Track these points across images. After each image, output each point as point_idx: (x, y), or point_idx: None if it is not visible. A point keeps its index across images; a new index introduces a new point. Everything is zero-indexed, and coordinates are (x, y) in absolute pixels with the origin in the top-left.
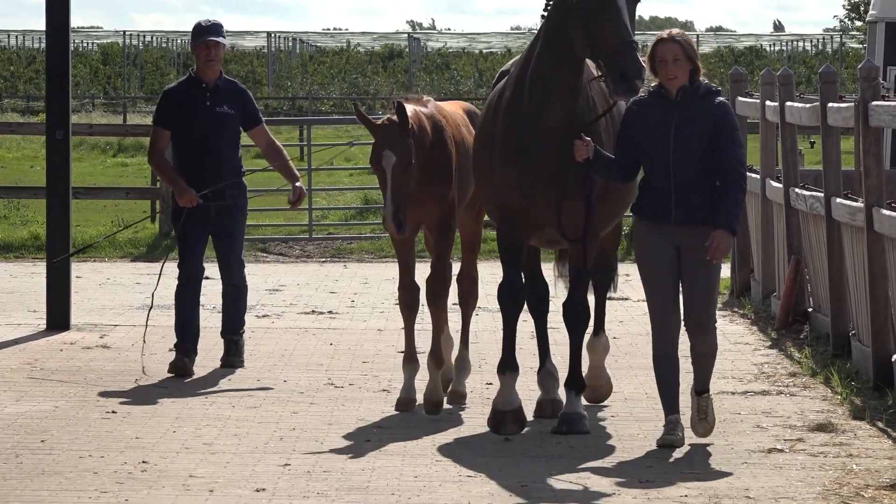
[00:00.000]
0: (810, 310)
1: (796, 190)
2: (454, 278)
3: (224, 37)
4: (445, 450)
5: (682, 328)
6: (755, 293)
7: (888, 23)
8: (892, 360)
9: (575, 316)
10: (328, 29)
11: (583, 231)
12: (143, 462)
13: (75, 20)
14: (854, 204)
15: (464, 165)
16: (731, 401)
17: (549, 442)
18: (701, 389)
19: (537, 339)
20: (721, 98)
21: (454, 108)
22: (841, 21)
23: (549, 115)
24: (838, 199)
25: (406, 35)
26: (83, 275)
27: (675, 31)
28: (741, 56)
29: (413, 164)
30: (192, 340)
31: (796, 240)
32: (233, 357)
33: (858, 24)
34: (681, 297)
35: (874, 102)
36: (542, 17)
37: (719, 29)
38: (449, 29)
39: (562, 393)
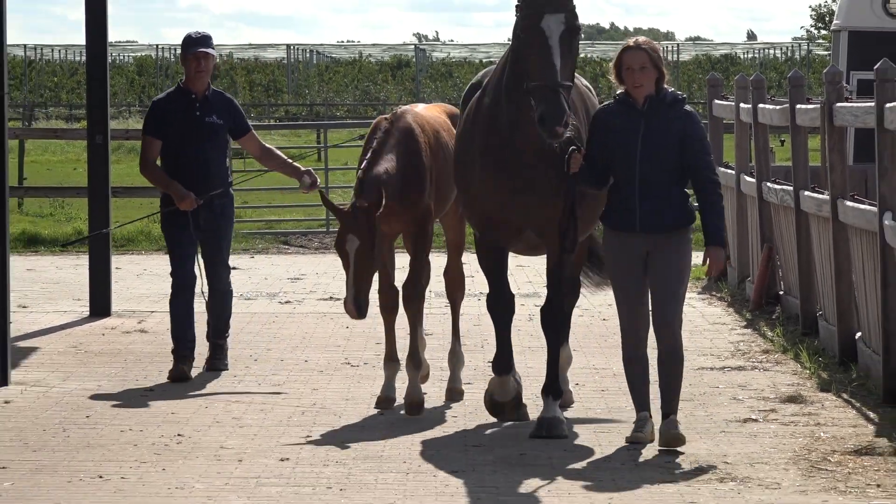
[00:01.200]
0: (781, 293)
1: (768, 184)
2: (442, 274)
3: (213, 48)
4: (452, 423)
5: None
6: (731, 278)
7: (850, 31)
8: (856, 337)
9: (553, 323)
10: (342, 41)
11: (562, 235)
12: (179, 435)
13: (112, 35)
14: (820, 196)
15: (444, 170)
16: (710, 375)
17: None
18: (668, 411)
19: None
20: (687, 106)
21: (436, 113)
22: (808, 30)
23: (525, 124)
24: (806, 193)
25: (413, 46)
26: (122, 266)
27: (641, 38)
28: (717, 63)
29: (376, 249)
30: (189, 347)
31: (768, 229)
32: (216, 360)
33: (824, 32)
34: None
35: (838, 104)
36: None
37: (698, 38)
38: (452, 40)
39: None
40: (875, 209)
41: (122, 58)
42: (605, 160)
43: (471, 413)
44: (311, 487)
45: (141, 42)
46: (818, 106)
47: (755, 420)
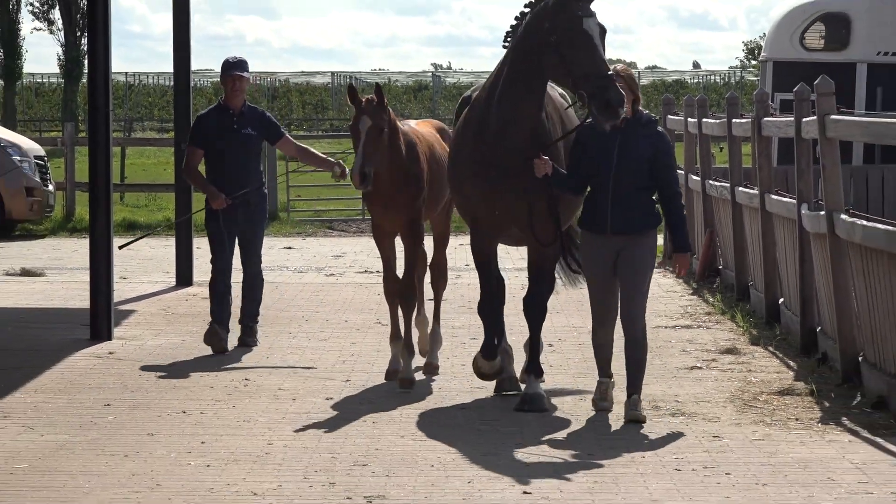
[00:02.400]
0: (720, 267)
1: (710, 182)
2: (429, 266)
3: (248, 71)
4: (461, 371)
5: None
6: None
7: (775, 61)
8: (779, 302)
9: (534, 310)
10: (374, 69)
11: (549, 234)
12: (246, 379)
13: (194, 64)
14: (751, 191)
15: (436, 177)
16: (664, 332)
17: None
18: (631, 391)
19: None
20: (659, 127)
21: (427, 127)
22: (741, 61)
23: (514, 134)
24: (740, 188)
25: (430, 73)
26: (202, 246)
27: (619, 66)
28: (670, 86)
29: (385, 133)
30: (227, 322)
31: (710, 217)
32: (247, 337)
33: (754, 62)
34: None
35: (765, 119)
36: (504, 47)
37: (654, 67)
38: (461, 69)
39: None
40: (794, 201)
41: (201, 82)
42: (585, 170)
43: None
44: (349, 422)
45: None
46: (750, 120)
47: (700, 367)
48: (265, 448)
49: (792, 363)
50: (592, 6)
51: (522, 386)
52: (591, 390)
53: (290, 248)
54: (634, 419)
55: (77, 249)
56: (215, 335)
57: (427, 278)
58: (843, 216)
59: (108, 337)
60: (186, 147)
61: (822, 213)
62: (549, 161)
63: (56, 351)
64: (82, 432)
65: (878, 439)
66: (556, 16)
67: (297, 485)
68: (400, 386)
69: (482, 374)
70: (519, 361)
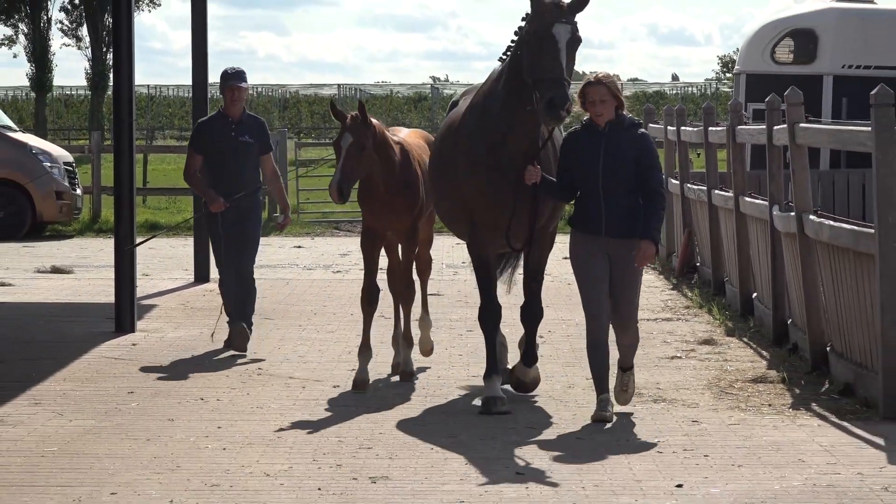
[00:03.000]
0: (698, 264)
1: (688, 185)
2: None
3: (246, 81)
4: (458, 361)
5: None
6: (661, 254)
7: (748, 74)
8: (753, 296)
9: (531, 314)
10: (377, 81)
11: (528, 239)
12: (259, 368)
13: (211, 77)
14: (726, 194)
15: (426, 184)
16: (646, 325)
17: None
18: (625, 367)
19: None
20: (642, 129)
21: (415, 137)
22: (717, 73)
23: (514, 140)
24: (716, 191)
25: (429, 85)
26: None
27: (601, 73)
28: (651, 97)
29: (366, 152)
30: (248, 323)
31: (689, 218)
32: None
33: (728, 75)
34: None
35: (739, 127)
36: (500, 60)
37: (636, 79)
38: (458, 81)
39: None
40: (766, 203)
41: (218, 94)
42: (573, 176)
43: (479, 345)
44: (355, 407)
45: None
46: (725, 128)
47: (679, 357)
48: (277, 432)
49: (765, 353)
50: (572, 15)
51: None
52: (580, 379)
53: (299, 246)
54: (626, 401)
55: (103, 249)
56: (242, 335)
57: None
58: (812, 217)
59: (132, 329)
60: (187, 152)
61: (793, 213)
62: (538, 170)
63: (83, 342)
64: (108, 418)
65: (845, 423)
66: (532, 21)
67: (306, 466)
68: (401, 379)
69: (487, 400)
70: (513, 359)
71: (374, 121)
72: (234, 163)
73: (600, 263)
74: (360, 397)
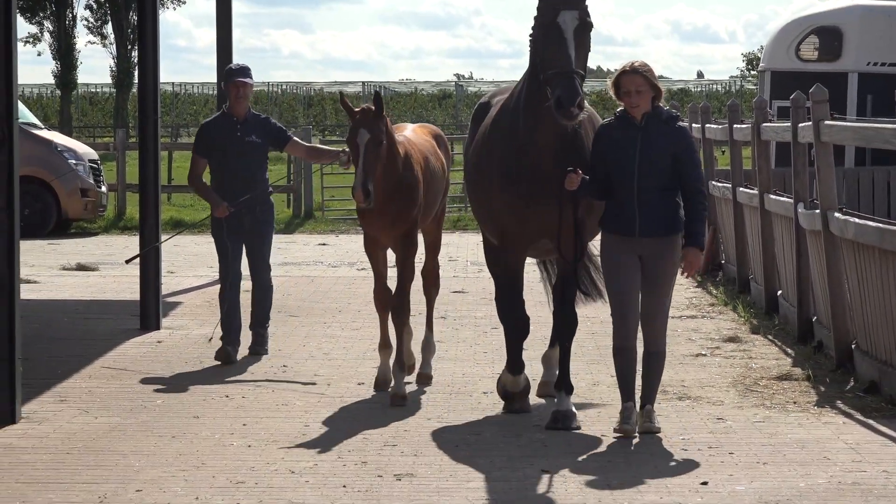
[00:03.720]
0: (723, 262)
1: (713, 182)
2: (420, 272)
3: (251, 77)
4: (483, 358)
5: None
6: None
7: (773, 71)
8: (778, 294)
9: (565, 323)
10: (402, 79)
11: (574, 245)
12: (284, 366)
13: None
14: (751, 191)
15: (430, 186)
16: (671, 322)
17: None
18: (645, 401)
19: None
20: (681, 123)
21: (423, 135)
22: (741, 71)
23: (541, 135)
24: (741, 189)
25: (453, 83)
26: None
27: (637, 62)
28: (675, 95)
29: (384, 145)
30: (236, 333)
31: (713, 216)
32: (258, 346)
33: (753, 73)
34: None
35: (764, 124)
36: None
37: (661, 77)
38: (482, 78)
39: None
40: (791, 201)
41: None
42: (606, 172)
43: (493, 345)
44: (380, 404)
45: (256, 80)
46: (749, 126)
47: (704, 355)
48: (302, 430)
49: (790, 350)
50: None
51: (536, 399)
52: (605, 377)
53: (324, 244)
54: (647, 431)
55: (128, 246)
56: (226, 354)
57: (418, 286)
58: (837, 214)
59: (157, 327)
60: (192, 156)
61: (818, 211)
62: (580, 174)
63: (108, 340)
64: (133, 415)
65: (871, 421)
66: (539, 10)
67: (331, 464)
68: (392, 403)
69: (506, 393)
70: (534, 375)
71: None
72: (240, 164)
73: (632, 267)
74: (384, 394)
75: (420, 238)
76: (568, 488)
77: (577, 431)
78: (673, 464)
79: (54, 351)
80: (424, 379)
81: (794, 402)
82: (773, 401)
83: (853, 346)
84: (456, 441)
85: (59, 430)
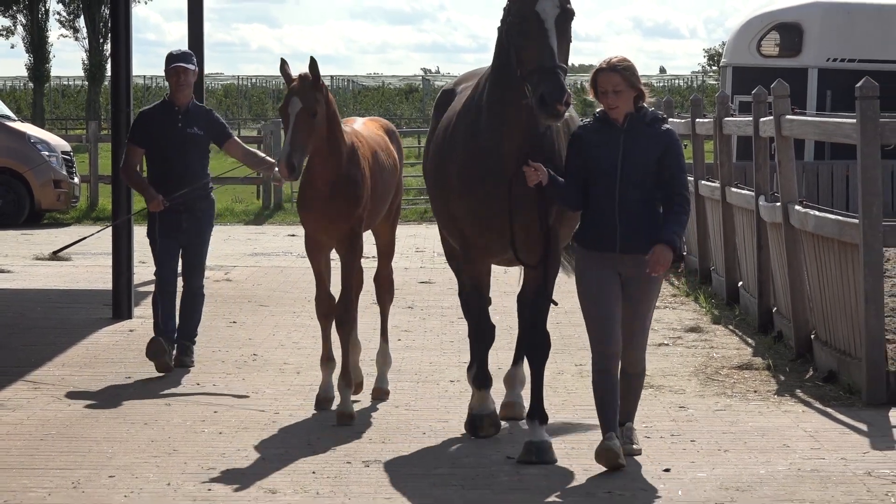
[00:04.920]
0: (685, 254)
1: None
2: (372, 279)
3: (193, 64)
4: (450, 347)
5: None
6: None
7: (734, 67)
8: (739, 285)
9: (536, 346)
10: (369, 73)
11: (541, 255)
12: (254, 354)
13: (208, 69)
14: (713, 185)
15: (378, 183)
16: None
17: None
18: (625, 418)
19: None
20: (667, 125)
21: (373, 128)
22: (703, 66)
23: (507, 137)
24: (703, 182)
25: (420, 77)
26: (213, 232)
27: (615, 58)
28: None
29: (317, 117)
30: (170, 338)
31: None
32: (184, 357)
33: (714, 68)
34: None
35: (726, 118)
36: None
37: None
38: (448, 73)
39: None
40: (752, 194)
41: (213, 85)
42: (585, 179)
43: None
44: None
45: (226, 73)
46: (711, 120)
47: (667, 344)
48: (272, 417)
49: (750, 340)
50: None
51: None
52: (569, 366)
53: (293, 235)
54: (630, 453)
55: (100, 237)
56: (159, 348)
57: (369, 294)
58: (797, 207)
59: (129, 316)
60: (126, 145)
61: (778, 204)
62: (542, 168)
63: (81, 328)
64: (105, 402)
65: (829, 409)
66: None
67: (301, 450)
68: (338, 422)
69: (472, 419)
70: (497, 394)
71: (324, 85)
72: (179, 157)
73: (613, 286)
74: (368, 354)
75: (372, 242)
76: (533, 473)
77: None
78: None
79: (28, 339)
80: (380, 394)
81: (755, 391)
82: (734, 390)
83: (812, 337)
84: (423, 428)
85: (32, 416)
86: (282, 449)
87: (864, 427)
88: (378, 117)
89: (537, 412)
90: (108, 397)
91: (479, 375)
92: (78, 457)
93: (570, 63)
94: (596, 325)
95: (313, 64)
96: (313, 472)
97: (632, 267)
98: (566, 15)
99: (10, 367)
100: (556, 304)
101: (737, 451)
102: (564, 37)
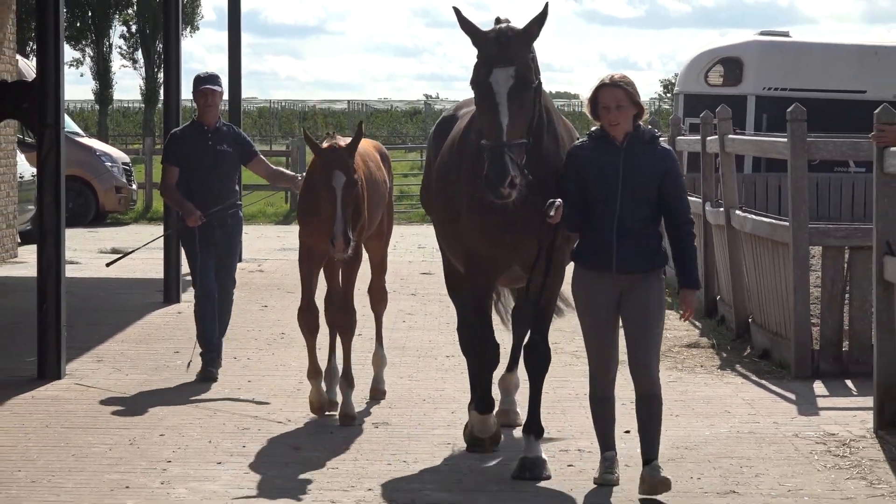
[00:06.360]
0: None
1: None
2: (366, 291)
3: (220, 86)
4: (446, 328)
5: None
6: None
7: (685, 94)
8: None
9: (536, 357)
10: (380, 98)
11: (545, 268)
12: (282, 333)
13: (244, 94)
14: None
15: (372, 201)
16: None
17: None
18: (649, 457)
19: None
20: (665, 144)
21: (366, 147)
22: (659, 94)
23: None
24: None
25: (423, 101)
26: (248, 231)
27: (617, 74)
28: None
29: (357, 188)
30: (217, 351)
31: None
32: (210, 368)
33: (668, 95)
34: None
35: (678, 137)
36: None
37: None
38: (447, 98)
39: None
40: (700, 200)
41: (248, 108)
42: (583, 200)
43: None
44: (362, 365)
45: (259, 98)
46: (666, 139)
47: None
48: (297, 386)
49: (698, 324)
50: (522, 47)
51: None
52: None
53: None
54: (658, 487)
55: (153, 234)
56: (209, 375)
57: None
58: (737, 212)
59: (178, 300)
60: (162, 165)
61: (721, 209)
62: (560, 205)
63: (137, 311)
64: (157, 373)
65: (764, 382)
66: (475, 65)
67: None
68: (342, 423)
69: (474, 439)
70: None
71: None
72: (211, 174)
73: (611, 307)
74: (364, 358)
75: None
76: (514, 433)
77: (524, 392)
78: None
79: (92, 320)
80: (377, 394)
81: (702, 366)
82: (684, 364)
83: (749, 320)
84: (423, 396)
85: (96, 385)
86: (304, 413)
87: (792, 396)
88: (369, 139)
89: (534, 426)
90: (159, 369)
91: (483, 400)
92: (134, 418)
93: (537, 120)
94: (592, 346)
95: (360, 130)
96: (331, 433)
97: (629, 284)
98: (522, 85)
99: (78, 344)
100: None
101: (686, 416)
102: (522, 107)
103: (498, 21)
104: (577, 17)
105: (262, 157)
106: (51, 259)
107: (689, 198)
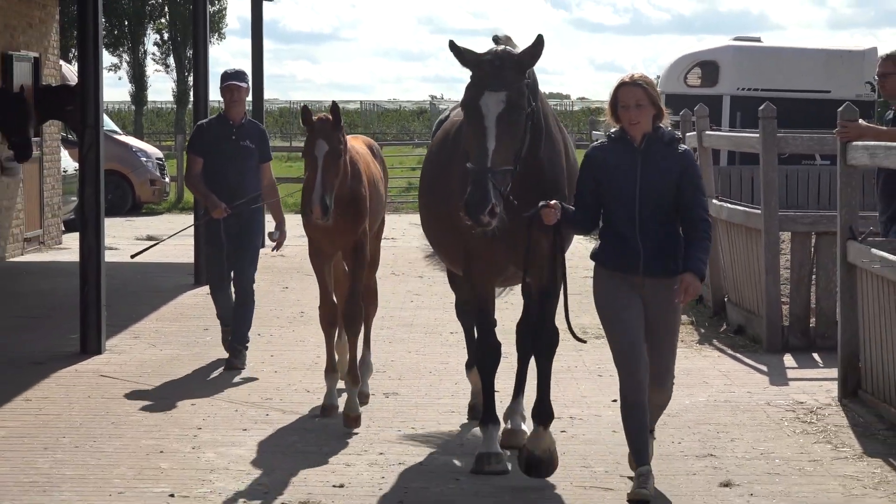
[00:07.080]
0: None
1: None
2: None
3: (246, 82)
4: (449, 306)
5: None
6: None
7: (666, 94)
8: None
9: (543, 338)
10: (390, 99)
11: (546, 270)
12: (301, 312)
13: (266, 96)
14: None
15: (372, 197)
16: (584, 282)
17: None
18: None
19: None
20: (684, 145)
21: (359, 144)
22: None
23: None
24: None
25: (428, 102)
26: (270, 219)
27: (637, 74)
28: (595, 111)
29: (342, 158)
30: (242, 342)
31: None
32: (235, 360)
33: None
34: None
35: None
36: None
37: (583, 97)
38: (450, 98)
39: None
40: None
41: (270, 108)
42: (601, 201)
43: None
44: (374, 342)
45: (280, 99)
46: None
47: None
48: (314, 360)
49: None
50: (516, 72)
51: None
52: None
53: None
54: (642, 497)
55: (185, 222)
56: (234, 366)
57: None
58: (714, 201)
59: (206, 283)
60: (187, 155)
61: None
62: (557, 205)
63: (170, 292)
64: (188, 349)
65: (739, 355)
66: (469, 81)
67: (337, 384)
68: (345, 424)
69: (481, 455)
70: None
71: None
72: (234, 168)
73: (637, 308)
74: (378, 334)
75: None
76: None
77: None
78: (591, 386)
79: (129, 300)
80: (362, 397)
81: (682, 341)
82: None
83: (726, 299)
84: (430, 368)
85: (133, 359)
86: (321, 384)
87: (764, 368)
88: (360, 135)
89: (543, 412)
90: (190, 344)
91: (487, 415)
92: (169, 389)
93: (529, 135)
94: (624, 351)
95: (335, 108)
96: None
97: (653, 289)
98: (513, 110)
99: (116, 322)
100: (584, 341)
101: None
102: (510, 133)
103: (496, 40)
104: (567, 24)
105: (270, 167)
106: (91, 245)
107: None
